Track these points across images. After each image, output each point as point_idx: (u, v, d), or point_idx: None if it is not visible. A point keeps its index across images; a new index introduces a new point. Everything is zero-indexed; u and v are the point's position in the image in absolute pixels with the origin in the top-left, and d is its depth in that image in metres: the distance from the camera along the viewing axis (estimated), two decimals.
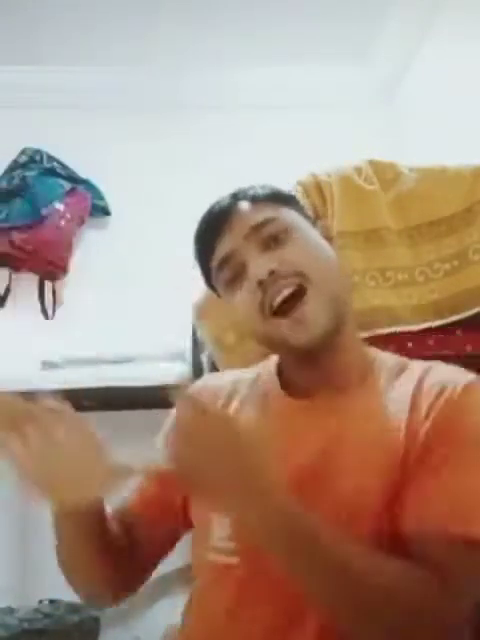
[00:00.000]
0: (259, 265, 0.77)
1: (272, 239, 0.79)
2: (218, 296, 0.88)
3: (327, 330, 0.76)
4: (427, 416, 0.71)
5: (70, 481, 0.67)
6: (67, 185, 2.11)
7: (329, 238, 0.85)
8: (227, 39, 2.07)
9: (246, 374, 0.90)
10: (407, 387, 0.76)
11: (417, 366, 0.80)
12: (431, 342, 1.14)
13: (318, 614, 0.69)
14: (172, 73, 2.23)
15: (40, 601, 1.65)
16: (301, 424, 0.77)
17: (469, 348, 1.13)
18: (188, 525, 0.85)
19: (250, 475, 0.62)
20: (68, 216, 2.08)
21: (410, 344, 1.13)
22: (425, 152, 1.84)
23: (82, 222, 2.15)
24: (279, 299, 0.75)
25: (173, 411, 0.65)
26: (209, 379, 0.99)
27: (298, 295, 0.76)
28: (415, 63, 2.09)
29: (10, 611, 1.57)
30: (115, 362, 1.70)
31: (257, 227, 0.79)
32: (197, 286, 1.41)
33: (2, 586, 1.79)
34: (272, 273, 0.76)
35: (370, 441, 0.72)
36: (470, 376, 0.75)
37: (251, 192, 0.83)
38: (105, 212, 2.19)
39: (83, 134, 2.16)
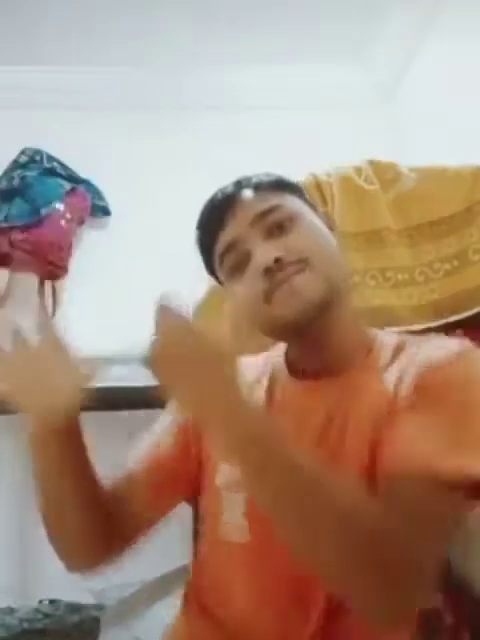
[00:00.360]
0: (264, 253, 0.77)
1: (277, 226, 0.79)
2: (219, 283, 0.88)
3: (317, 304, 0.75)
4: (412, 380, 0.72)
5: (44, 388, 0.70)
6: (67, 185, 2.11)
7: (331, 227, 0.86)
8: (227, 39, 2.07)
9: (259, 359, 0.92)
10: (403, 362, 0.76)
11: (415, 341, 0.80)
12: None
13: (327, 595, 0.70)
14: (172, 73, 2.23)
15: (40, 601, 1.65)
16: (306, 404, 0.79)
17: None
18: (189, 493, 0.86)
19: (220, 383, 0.64)
20: (68, 216, 2.08)
21: None
22: (425, 152, 1.84)
23: (82, 222, 2.15)
24: (290, 284, 0.75)
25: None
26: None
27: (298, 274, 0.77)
28: (415, 63, 2.09)
29: (10, 611, 1.57)
30: (115, 362, 1.70)
31: (262, 214, 0.79)
32: (197, 286, 1.42)
33: (2, 586, 1.79)
34: (278, 260, 0.76)
35: (370, 412, 0.73)
36: (459, 346, 0.75)
37: (255, 179, 0.83)
38: (105, 212, 2.19)
39: (83, 134, 2.16)
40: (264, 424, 0.65)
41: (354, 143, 1.69)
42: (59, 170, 2.13)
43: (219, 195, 0.83)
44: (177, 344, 0.64)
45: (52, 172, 2.12)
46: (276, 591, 0.73)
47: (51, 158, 2.14)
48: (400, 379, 0.74)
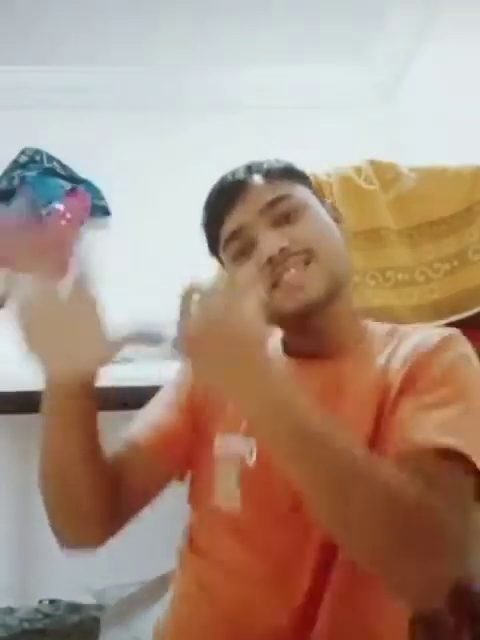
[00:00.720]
0: (270, 241, 0.77)
1: (284, 216, 0.79)
2: (221, 264, 0.89)
3: (319, 299, 0.77)
4: (403, 367, 0.74)
5: (67, 350, 0.66)
6: (67, 185, 2.11)
7: (337, 219, 0.86)
8: (227, 39, 2.07)
9: None
10: (393, 347, 0.79)
11: (405, 329, 0.83)
12: None
13: (314, 574, 0.71)
14: (172, 73, 2.23)
15: (40, 601, 1.65)
16: (298, 376, 0.80)
17: None
18: (183, 471, 0.87)
19: (248, 355, 0.62)
20: (68, 216, 2.08)
21: None
22: (425, 152, 1.84)
23: (82, 222, 2.15)
24: (287, 277, 0.76)
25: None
26: None
27: (302, 267, 0.77)
28: (415, 63, 2.09)
29: (10, 611, 1.57)
30: (115, 362, 1.70)
31: (272, 203, 0.79)
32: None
33: (2, 586, 1.79)
34: (282, 250, 0.76)
35: (361, 393, 0.75)
36: (446, 331, 0.78)
37: (266, 166, 0.82)
38: (105, 212, 2.19)
39: (83, 134, 2.16)
40: (302, 403, 0.63)
41: (354, 143, 1.69)
42: (59, 170, 2.13)
43: (229, 178, 0.83)
44: (212, 324, 0.62)
45: (52, 172, 2.12)
46: (263, 563, 0.74)
47: (51, 158, 2.14)
48: (390, 363, 0.76)
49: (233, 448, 0.80)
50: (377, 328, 0.85)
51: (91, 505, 0.76)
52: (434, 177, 1.22)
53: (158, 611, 1.38)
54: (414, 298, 1.18)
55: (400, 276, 1.19)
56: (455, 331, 0.78)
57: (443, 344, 0.75)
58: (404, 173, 1.25)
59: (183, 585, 0.85)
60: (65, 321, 0.66)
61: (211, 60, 2.15)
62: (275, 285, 0.77)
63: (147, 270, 2.05)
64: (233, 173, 0.83)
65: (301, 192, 0.83)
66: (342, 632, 0.72)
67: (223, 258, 0.86)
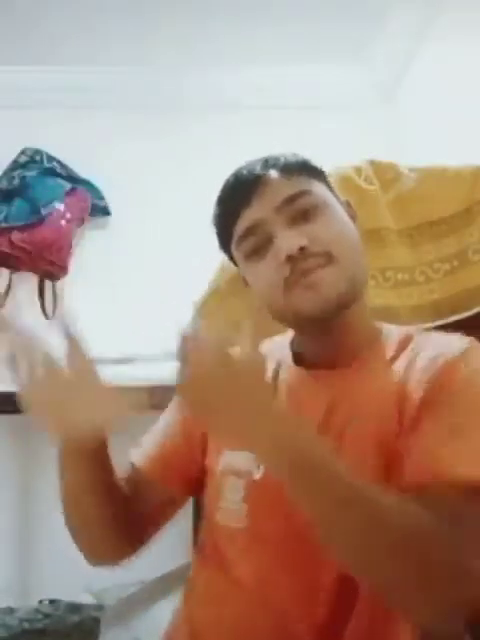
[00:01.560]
0: (288, 240, 0.75)
1: (302, 213, 0.77)
2: (233, 262, 0.87)
3: (337, 301, 0.75)
4: (422, 379, 0.72)
5: (73, 414, 0.68)
6: (67, 185, 2.11)
7: (352, 217, 0.84)
8: (227, 39, 2.07)
9: (265, 345, 0.92)
10: (409, 356, 0.76)
11: (420, 336, 0.81)
12: None
13: (336, 579, 0.70)
14: (172, 73, 2.23)
15: (40, 601, 1.65)
16: (309, 390, 0.79)
17: None
18: (197, 488, 0.86)
19: (257, 404, 0.62)
20: (68, 216, 2.08)
21: None
22: (425, 152, 1.84)
23: (82, 222, 2.15)
24: (312, 277, 0.74)
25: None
26: None
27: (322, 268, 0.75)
28: (415, 63, 2.09)
29: (10, 611, 1.57)
30: (115, 362, 1.70)
31: (290, 199, 0.77)
32: (197, 286, 1.42)
33: (2, 586, 1.79)
34: (302, 249, 0.74)
35: (375, 405, 0.73)
36: (465, 342, 0.75)
37: (283, 160, 0.80)
38: (105, 212, 2.19)
39: (83, 134, 2.16)
40: (312, 446, 0.64)
41: (354, 143, 1.69)
42: (59, 170, 2.13)
43: (245, 172, 0.80)
44: (210, 374, 0.62)
45: (52, 172, 2.11)
46: (274, 576, 0.74)
47: (51, 158, 2.14)
48: (407, 373, 0.74)
49: (239, 463, 0.79)
50: (393, 331, 0.83)
51: (104, 531, 0.79)
52: (434, 177, 1.22)
53: (158, 611, 1.38)
54: (414, 298, 1.18)
55: (400, 276, 1.19)
56: (474, 341, 0.76)
57: (464, 357, 0.72)
58: (404, 173, 1.25)
59: (195, 592, 0.85)
60: (66, 392, 0.68)
61: (211, 60, 2.14)
62: (294, 285, 0.75)
63: (147, 270, 2.05)
64: (249, 167, 0.80)
65: (319, 188, 0.80)
66: None
67: (235, 255, 0.83)
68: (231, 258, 0.86)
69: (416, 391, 0.71)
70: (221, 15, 1.97)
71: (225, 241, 0.84)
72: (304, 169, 0.80)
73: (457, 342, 0.76)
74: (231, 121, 2.20)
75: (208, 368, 0.62)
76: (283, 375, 0.84)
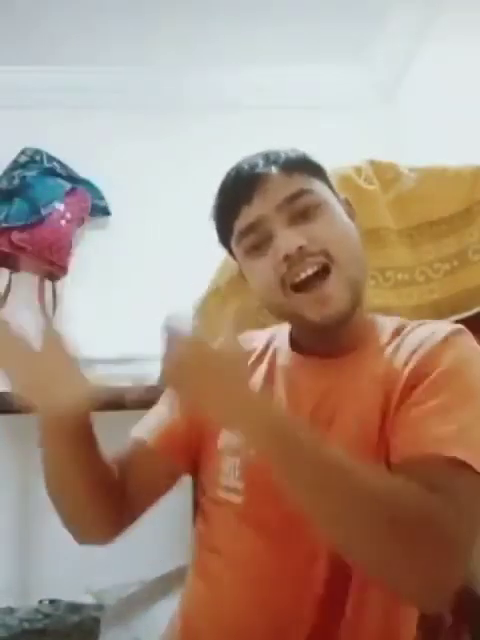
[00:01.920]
0: (287, 239, 0.76)
1: (302, 212, 0.77)
2: (231, 256, 0.88)
3: (346, 311, 0.77)
4: (409, 361, 0.74)
5: (50, 391, 0.69)
6: (67, 185, 2.11)
7: (351, 216, 0.85)
8: (227, 39, 2.07)
9: (264, 333, 0.94)
10: (398, 341, 0.79)
11: (412, 323, 0.83)
12: None
13: (332, 553, 0.71)
14: (172, 73, 2.23)
15: (40, 601, 1.65)
16: (306, 377, 0.81)
17: None
18: (192, 466, 0.88)
19: (230, 384, 0.65)
20: (68, 216, 2.08)
21: None
22: (425, 152, 1.84)
23: (82, 222, 2.15)
24: (303, 276, 0.76)
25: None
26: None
27: (321, 274, 0.76)
28: (415, 63, 2.09)
29: (10, 611, 1.58)
30: (115, 362, 1.70)
31: (291, 198, 0.77)
32: (197, 286, 1.42)
33: (2, 586, 1.79)
34: (300, 249, 0.75)
35: (364, 391, 0.75)
36: (452, 327, 0.78)
37: (284, 157, 0.80)
38: (105, 212, 2.19)
39: (83, 134, 2.16)
40: (285, 418, 0.67)
41: (354, 143, 1.69)
42: (59, 170, 2.13)
43: (246, 168, 0.80)
44: (191, 357, 0.65)
45: (52, 172, 2.11)
46: (266, 556, 0.75)
47: (51, 158, 2.14)
48: (396, 356, 0.76)
49: (236, 440, 0.80)
50: (387, 323, 0.84)
51: (93, 511, 0.78)
52: (434, 177, 1.22)
53: (158, 611, 1.38)
54: (414, 298, 1.18)
55: (400, 276, 1.19)
56: (462, 327, 0.78)
57: (451, 339, 0.74)
58: (404, 173, 1.24)
59: (193, 578, 0.86)
60: (42, 366, 0.69)
61: (211, 60, 2.15)
62: (294, 287, 0.76)
63: (147, 270, 2.05)
64: (250, 163, 0.80)
65: (319, 187, 0.80)
66: (366, 629, 0.72)
67: (235, 250, 0.84)
68: (230, 252, 0.87)
69: (403, 373, 0.73)
70: (221, 15, 1.98)
71: (225, 236, 0.85)
72: (305, 166, 0.81)
73: (444, 326, 0.78)
74: (231, 121, 2.20)
75: (185, 353, 0.65)
76: (282, 361, 0.86)
